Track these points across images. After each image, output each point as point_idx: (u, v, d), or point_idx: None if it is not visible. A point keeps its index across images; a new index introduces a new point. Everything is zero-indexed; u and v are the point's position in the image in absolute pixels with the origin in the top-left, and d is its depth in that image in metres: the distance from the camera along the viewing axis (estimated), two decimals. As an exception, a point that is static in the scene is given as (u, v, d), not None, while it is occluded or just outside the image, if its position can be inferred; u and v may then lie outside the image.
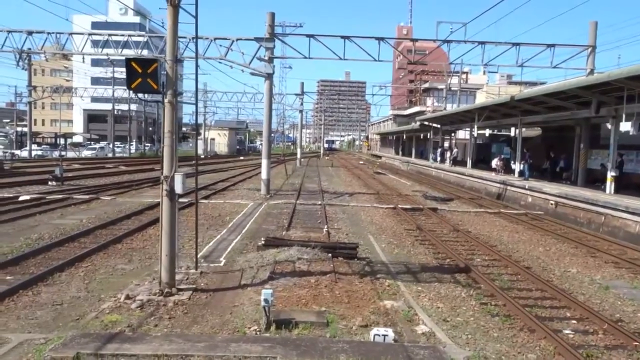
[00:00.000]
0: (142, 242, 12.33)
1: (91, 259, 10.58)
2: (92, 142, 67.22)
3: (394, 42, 25.18)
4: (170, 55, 8.20)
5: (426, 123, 45.03)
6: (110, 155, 54.53)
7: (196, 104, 9.47)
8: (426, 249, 12.60)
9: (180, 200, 12.58)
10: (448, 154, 38.92)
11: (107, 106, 62.72)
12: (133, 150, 63.14)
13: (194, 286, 8.79)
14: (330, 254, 10.73)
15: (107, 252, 11.22)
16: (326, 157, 71.87)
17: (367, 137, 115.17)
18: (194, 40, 9.18)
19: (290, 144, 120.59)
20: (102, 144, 63.75)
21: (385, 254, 11.78)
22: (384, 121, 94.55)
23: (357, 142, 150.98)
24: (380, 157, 74.51)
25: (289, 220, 15.27)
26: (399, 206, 19.31)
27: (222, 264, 10.32)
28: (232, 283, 9.03)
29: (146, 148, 66.42)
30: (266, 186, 22.27)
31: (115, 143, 60.49)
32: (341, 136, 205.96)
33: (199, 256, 10.22)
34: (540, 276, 10.26)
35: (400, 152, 64.53)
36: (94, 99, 70.42)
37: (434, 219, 17.13)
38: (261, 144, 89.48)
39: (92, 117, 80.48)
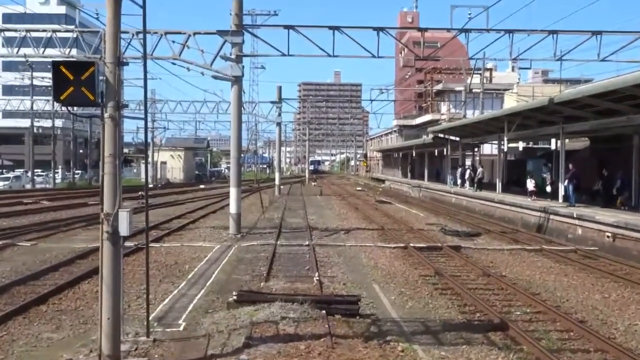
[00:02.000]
0: (75, 301, 12.23)
1: (7, 327, 10.42)
2: (3, 171, 66.58)
3: (396, 33, 25.68)
4: (111, 56, 8.23)
5: (441, 135, 45.34)
6: (28, 186, 54.33)
7: (145, 117, 9.43)
8: (449, 300, 12.64)
9: (126, 244, 12.24)
10: (470, 174, 39.23)
11: (25, 122, 62.20)
12: (59, 180, 63.02)
13: (145, 359, 8.62)
14: (324, 311, 10.63)
15: (28, 316, 11.08)
16: (313, 183, 72.79)
17: (365, 156, 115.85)
18: (140, 36, 9.21)
19: (265, 166, 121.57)
20: (18, 172, 63.23)
21: (396, 309, 11.80)
22: (386, 134, 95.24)
23: (352, 162, 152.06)
24: (383, 180, 75.52)
25: (268, 268, 15.25)
26: (411, 245, 19.38)
27: (181, 327, 10.29)
28: (196, 354, 8.93)
29: (76, 176, 66.29)
30: (236, 223, 22.26)
31: (36, 171, 59.74)
32: (331, 155, 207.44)
33: (151, 318, 10.12)
34: (598, 332, 10.27)
35: (409, 174, 65.04)
36: (6, 114, 69.82)
37: (457, 260, 17.17)
38: (227, 168, 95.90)
39: (3, 138, 79.78)
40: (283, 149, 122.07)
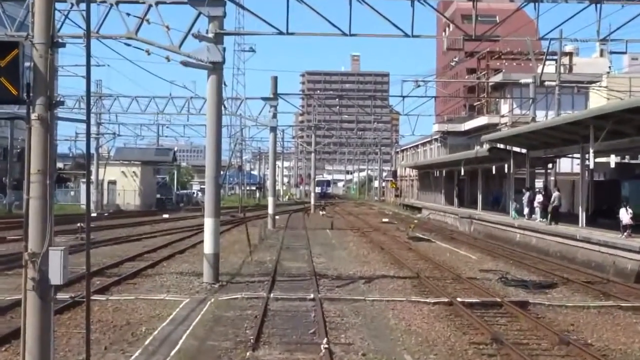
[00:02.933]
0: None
1: None
2: None
3: (438, 4, 25.38)
4: (42, 34, 8.25)
5: (501, 146, 45.34)
6: None
7: (87, 119, 9.37)
8: (513, 381, 12.62)
9: (59, 296, 12.73)
10: (541, 201, 38.71)
11: None
12: (-34, 206, 63.21)
13: None
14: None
15: None
16: (321, 212, 72.85)
17: (394, 174, 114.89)
18: (82, 6, 9.24)
19: (255, 188, 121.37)
20: None
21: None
22: (423, 144, 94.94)
23: (375, 183, 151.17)
24: (419, 209, 75.52)
25: (257, 330, 15.15)
26: (459, 300, 19.28)
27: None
28: None
29: (-10, 201, 67.04)
30: (213, 268, 22.19)
31: None
32: (347, 173, 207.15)
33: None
34: None
35: (456, 200, 64.62)
36: None
37: (524, 321, 17.02)
38: (202, 191, 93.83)
39: None
40: (279, 163, 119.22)
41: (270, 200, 53.15)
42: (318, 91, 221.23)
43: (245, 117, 64.67)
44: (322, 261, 28.98)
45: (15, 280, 19.89)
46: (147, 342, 14.38)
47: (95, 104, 61.28)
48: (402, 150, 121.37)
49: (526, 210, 41.58)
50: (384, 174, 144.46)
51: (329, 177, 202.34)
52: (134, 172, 78.10)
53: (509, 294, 20.94)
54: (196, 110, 56.91)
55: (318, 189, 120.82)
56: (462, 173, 59.53)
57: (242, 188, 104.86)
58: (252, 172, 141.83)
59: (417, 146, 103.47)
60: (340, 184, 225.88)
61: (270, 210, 51.77)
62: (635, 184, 36.99)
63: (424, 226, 53.45)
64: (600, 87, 56.19)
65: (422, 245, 37.61)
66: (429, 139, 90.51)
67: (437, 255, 31.86)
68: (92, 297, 16.12)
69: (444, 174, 71.07)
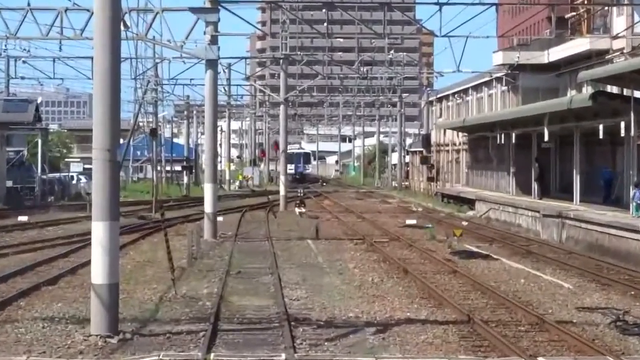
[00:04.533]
0: None
1: None
2: None
3: None
4: None
5: (613, 90, 41.95)
6: None
7: None
8: None
9: None
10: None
11: None
12: None
13: None
14: None
15: None
16: (298, 210, 61.04)
17: (425, 141, 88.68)
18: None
19: (181, 168, 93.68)
20: None
21: None
22: (476, 87, 74.98)
23: (393, 158, 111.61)
24: (470, 201, 62.02)
25: None
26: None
27: None
28: None
29: None
30: (108, 309, 18.34)
31: None
32: (344, 140, 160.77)
33: None
34: None
35: (536, 186, 52.69)
36: None
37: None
38: (86, 174, 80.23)
39: None
40: (223, 125, 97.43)
41: (208, 189, 43.91)
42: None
43: (161, 43, 51.60)
44: (300, 295, 23.71)
45: None
46: None
47: None
48: (440, 100, 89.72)
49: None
50: (408, 141, 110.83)
51: (312, 148, 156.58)
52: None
53: (630, 349, 17.36)
54: (75, 31, 42.60)
55: (291, 168, 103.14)
56: (546, 138, 48.46)
57: (158, 168, 74.83)
58: (176, 141, 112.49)
59: (465, 92, 79.08)
60: (330, 160, 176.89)
61: (208, 207, 42.83)
62: None
63: (478, 232, 44.93)
64: None
65: (475, 265, 31.55)
66: (487, 79, 70.42)
67: (503, 283, 26.47)
68: None
69: (513, 140, 56.61)
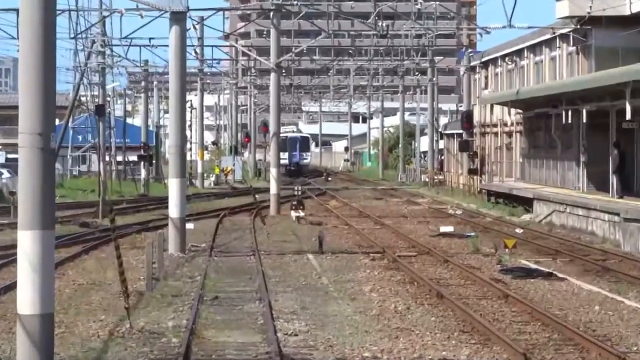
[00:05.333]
0: None
1: None
2: None
3: None
4: None
5: None
6: None
7: None
8: None
9: None
10: None
11: None
12: None
13: None
14: None
15: None
16: (295, 214, 55.58)
17: (465, 120, 76.25)
18: None
19: (138, 158, 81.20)
20: None
21: None
22: (533, 48, 66.18)
23: (422, 143, 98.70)
24: (526, 200, 55.92)
25: None
26: None
27: None
28: None
29: None
30: (40, 348, 17.44)
31: None
32: (356, 119, 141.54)
33: None
34: None
35: (615, 180, 47.47)
36: None
37: None
38: (11, 167, 64.35)
39: None
40: (193, 100, 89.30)
41: (174, 186, 38.89)
42: None
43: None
44: (298, 329, 22.68)
45: None
46: None
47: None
48: (485, 65, 77.31)
49: None
50: (443, 120, 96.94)
51: (313, 130, 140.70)
52: None
53: None
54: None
55: (285, 158, 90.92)
56: (628, 116, 43.77)
57: (107, 159, 67.03)
58: (130, 122, 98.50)
59: (519, 54, 68.32)
60: (338, 146, 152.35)
61: (174, 211, 38.07)
62: None
63: (537, 242, 40.83)
64: None
65: (533, 286, 28.52)
66: (548, 37, 61.00)
67: (571, 311, 24.38)
68: None
69: (584, 119, 50.50)
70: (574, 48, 58.47)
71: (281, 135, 72.93)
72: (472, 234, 44.15)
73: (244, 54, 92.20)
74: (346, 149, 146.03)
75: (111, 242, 29.71)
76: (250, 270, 33.24)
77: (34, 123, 16.40)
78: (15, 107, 17.29)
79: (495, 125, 74.48)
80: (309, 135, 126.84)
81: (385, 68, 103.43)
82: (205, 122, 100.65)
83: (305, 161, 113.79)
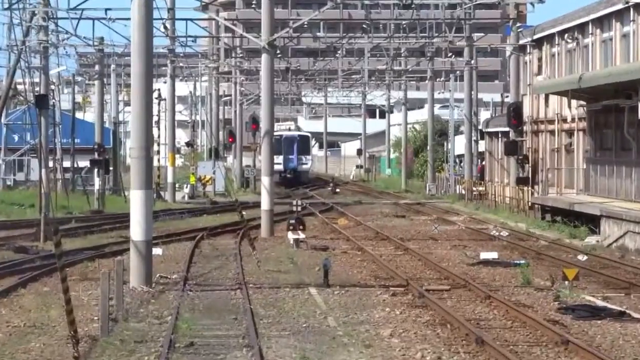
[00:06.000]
0: None
1: None
2: None
3: None
4: None
5: None
6: None
7: None
8: None
9: None
10: None
11: None
12: None
13: None
14: None
15: None
16: (293, 236, 50.42)
17: (513, 114, 64.87)
18: None
19: (90, 163, 71.35)
20: None
21: None
22: (600, 21, 58.10)
23: (454, 147, 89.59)
24: (593, 218, 50.92)
25: None
26: None
27: None
28: None
29: None
30: None
31: None
32: (371, 113, 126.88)
33: None
34: None
35: None
36: None
37: None
38: None
39: None
40: (162, 89, 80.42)
41: (137, 199, 34.84)
42: None
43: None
44: None
45: None
46: None
47: None
48: (538, 44, 68.02)
49: None
50: (483, 115, 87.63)
51: (315, 127, 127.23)
52: None
53: None
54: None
55: (279, 163, 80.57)
56: None
57: (50, 165, 62.56)
58: (81, 117, 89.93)
59: (581, 29, 60.39)
60: (350, 148, 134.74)
61: (137, 233, 34.45)
62: None
63: (606, 272, 37.33)
64: None
65: (601, 329, 26.32)
66: (619, 8, 54.41)
67: None
68: None
69: None
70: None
71: (275, 134, 64.93)
72: (522, 261, 40.36)
73: (227, 29, 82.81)
74: (359, 151, 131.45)
75: (56, 273, 30.08)
76: (236, 308, 30.55)
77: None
78: None
79: (551, 122, 67.15)
80: (309, 134, 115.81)
81: (410, 48, 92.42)
82: (178, 117, 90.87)
83: (305, 166, 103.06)
